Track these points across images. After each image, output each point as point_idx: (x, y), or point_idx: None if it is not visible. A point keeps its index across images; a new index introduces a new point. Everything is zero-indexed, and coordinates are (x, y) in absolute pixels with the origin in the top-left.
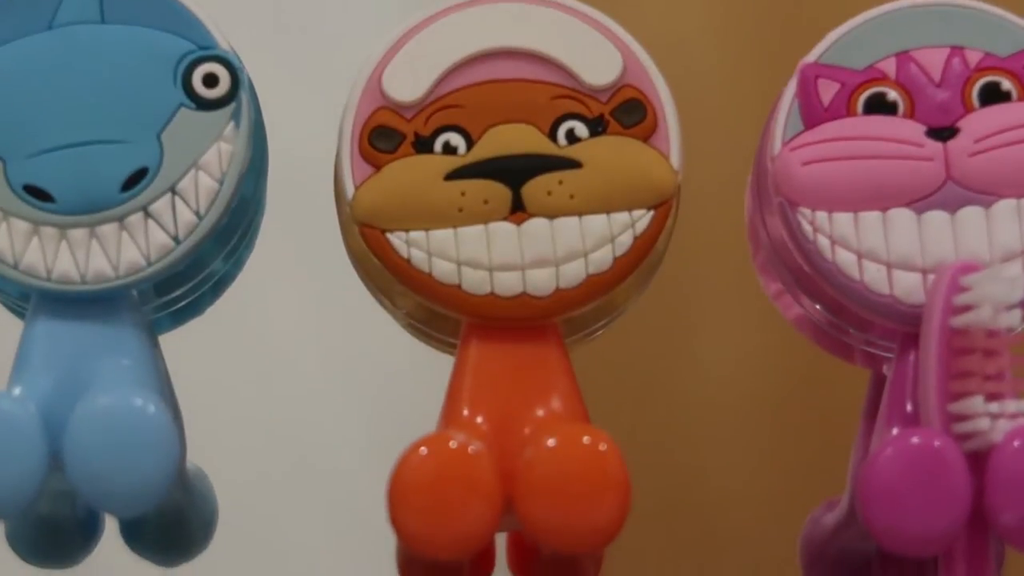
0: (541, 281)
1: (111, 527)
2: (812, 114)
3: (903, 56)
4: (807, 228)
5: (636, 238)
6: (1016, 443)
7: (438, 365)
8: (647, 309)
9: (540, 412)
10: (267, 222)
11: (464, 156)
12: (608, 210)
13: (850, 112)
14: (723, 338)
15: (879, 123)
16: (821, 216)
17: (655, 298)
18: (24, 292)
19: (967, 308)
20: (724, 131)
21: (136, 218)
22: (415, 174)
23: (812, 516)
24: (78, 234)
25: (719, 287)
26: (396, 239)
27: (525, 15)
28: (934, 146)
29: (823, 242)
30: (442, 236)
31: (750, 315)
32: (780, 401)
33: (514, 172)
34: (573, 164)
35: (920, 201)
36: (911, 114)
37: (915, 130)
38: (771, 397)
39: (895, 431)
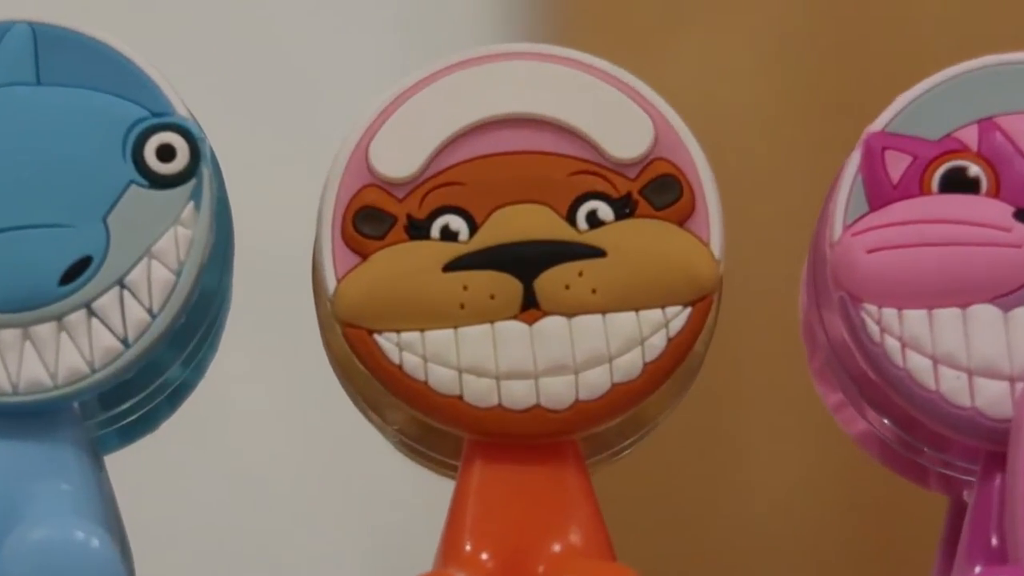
0: (558, 391)
1: None
2: (879, 192)
3: (986, 123)
4: (873, 328)
5: (670, 340)
6: None
7: (436, 491)
8: (684, 423)
9: (556, 547)
10: (234, 321)
11: (466, 243)
12: (637, 307)
13: (924, 190)
14: (774, 458)
15: (958, 203)
16: (889, 313)
17: (693, 410)
18: None
19: None
20: (774, 213)
21: (77, 316)
22: (408, 264)
23: None
24: (8, 335)
25: (769, 397)
26: (386, 341)
27: (538, 76)
28: (1023, 230)
29: (892, 344)
30: (440, 338)
31: (806, 431)
32: (841, 533)
33: (526, 262)
34: (596, 252)
35: (1007, 296)
36: (996, 192)
37: (1001, 212)
38: (831, 528)
39: (978, 570)
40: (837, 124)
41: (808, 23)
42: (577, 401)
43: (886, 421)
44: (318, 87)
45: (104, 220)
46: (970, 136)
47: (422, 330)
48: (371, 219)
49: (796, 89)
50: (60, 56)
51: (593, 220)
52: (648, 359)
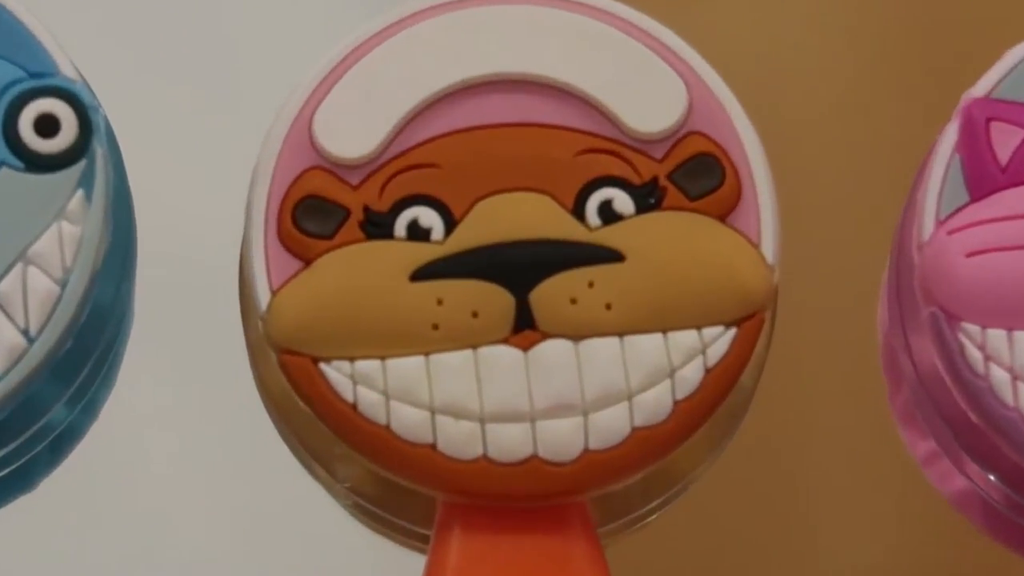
0: (561, 437)
1: None
2: (983, 177)
3: None
4: (974, 355)
5: (708, 371)
6: None
7: (402, 568)
8: (726, 482)
9: None
10: (136, 348)
11: (441, 243)
12: (665, 327)
13: None
14: (845, 528)
15: None
16: (996, 336)
17: (738, 464)
18: None
19: None
20: (845, 204)
21: None
22: (365, 271)
23: None
24: None
25: (838, 447)
26: (336, 372)
27: (535, 24)
28: None
29: (1000, 377)
30: (407, 368)
31: (886, 490)
32: None
33: (519, 269)
34: (611, 256)
35: None
36: None
37: None
38: None
39: None
40: (929, 88)
41: None
42: (586, 451)
43: (991, 477)
44: (247, 42)
45: None
46: None
47: (383, 358)
48: (317, 212)
49: (876, 41)
50: None
51: (608, 214)
52: (679, 396)
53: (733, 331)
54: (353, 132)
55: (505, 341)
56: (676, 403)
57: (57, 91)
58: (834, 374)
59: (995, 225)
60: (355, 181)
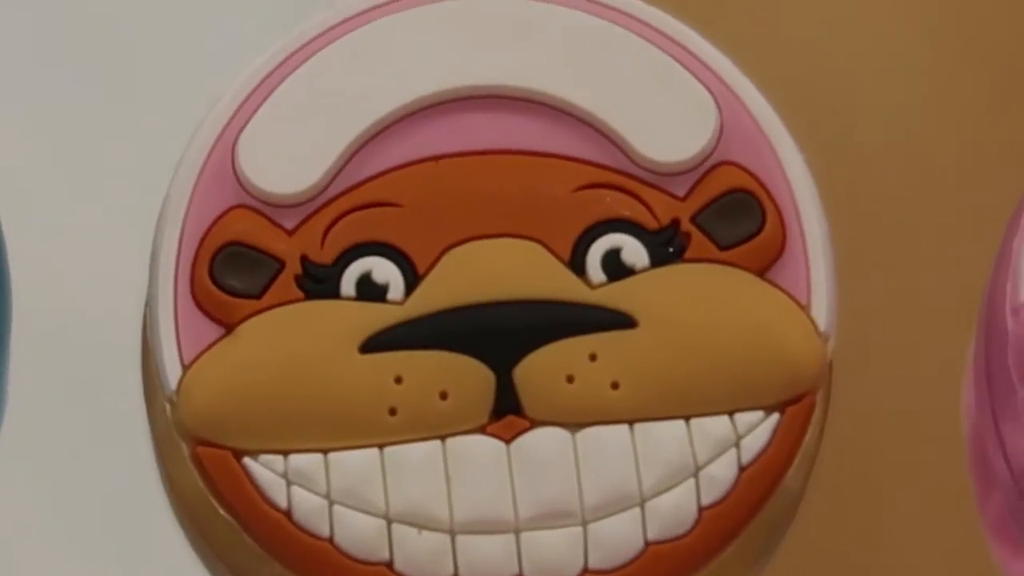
0: (554, 554)
1: None
2: None
3: None
4: None
5: (743, 468)
6: None
7: None
8: None
9: None
10: (9, 438)
11: (401, 305)
12: (688, 412)
13: None
14: None
15: None
16: None
17: None
18: None
19: None
20: (919, 257)
21: None
22: (303, 341)
23: None
24: None
25: (911, 567)
26: (264, 470)
27: (526, 24)
28: None
29: None
30: (356, 464)
31: None
32: None
33: (500, 338)
34: (619, 321)
35: None
36: None
37: None
38: None
39: None
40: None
41: None
42: (586, 572)
43: None
44: (150, 47)
45: None
46: None
47: (326, 451)
48: (242, 264)
49: (956, 59)
50: None
51: (615, 266)
52: (706, 500)
53: (775, 418)
54: (288, 162)
55: (482, 430)
56: (702, 510)
57: None
58: (906, 474)
59: None
60: (291, 224)
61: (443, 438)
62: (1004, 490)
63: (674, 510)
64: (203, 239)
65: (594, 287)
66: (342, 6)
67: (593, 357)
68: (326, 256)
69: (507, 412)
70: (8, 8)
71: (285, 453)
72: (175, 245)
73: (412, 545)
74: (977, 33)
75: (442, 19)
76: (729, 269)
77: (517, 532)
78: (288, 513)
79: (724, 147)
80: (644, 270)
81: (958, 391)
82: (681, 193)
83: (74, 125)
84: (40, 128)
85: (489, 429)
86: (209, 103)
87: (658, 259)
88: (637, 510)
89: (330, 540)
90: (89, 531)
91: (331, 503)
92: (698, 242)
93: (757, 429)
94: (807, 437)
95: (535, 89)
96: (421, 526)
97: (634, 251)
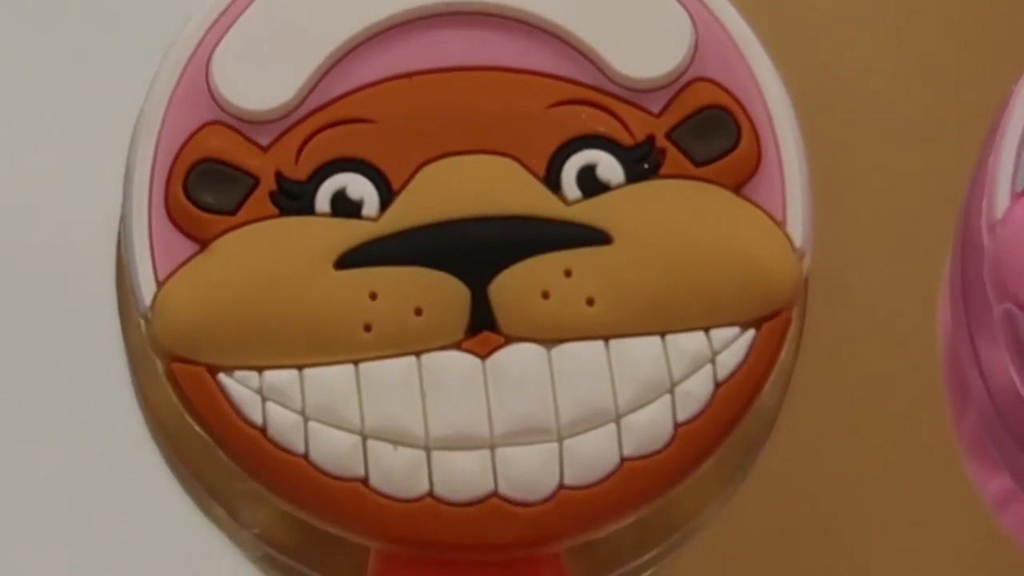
0: (530, 470)
1: None
2: None
3: None
4: None
5: (719, 384)
6: None
7: None
8: (743, 528)
9: None
10: None
11: (376, 221)
12: (663, 328)
13: None
14: None
15: None
16: None
17: (759, 506)
18: None
19: None
20: (895, 174)
21: None
22: (278, 257)
23: None
24: None
25: (888, 483)
26: (239, 386)
27: None
28: None
29: None
30: (331, 380)
31: (949, 537)
32: None
33: (476, 254)
34: (594, 236)
35: None
36: None
37: None
38: None
39: None
40: (1001, 28)
41: None
42: (562, 487)
43: None
44: None
45: None
46: None
47: (301, 367)
48: (216, 180)
49: None
50: None
51: (590, 183)
52: (682, 417)
53: (751, 334)
54: (262, 78)
55: (458, 346)
56: (677, 426)
57: None
58: (881, 392)
59: None
60: (265, 141)
61: (418, 354)
62: (980, 407)
63: (649, 426)
64: (177, 155)
65: (569, 203)
66: None
67: (568, 273)
68: (300, 172)
69: (482, 328)
70: None
71: (260, 369)
72: (149, 162)
73: (387, 461)
74: None
75: None
76: (704, 185)
77: (492, 448)
78: (263, 429)
79: (699, 63)
80: (619, 186)
81: (934, 308)
82: (656, 109)
83: (49, 41)
84: (16, 43)
85: (464, 345)
86: (183, 20)
87: (633, 175)
88: (612, 426)
89: (305, 456)
90: (63, 449)
91: (306, 419)
92: (673, 158)
93: (733, 345)
94: (783, 354)
95: (510, 5)
96: (396, 442)
97: (609, 167)
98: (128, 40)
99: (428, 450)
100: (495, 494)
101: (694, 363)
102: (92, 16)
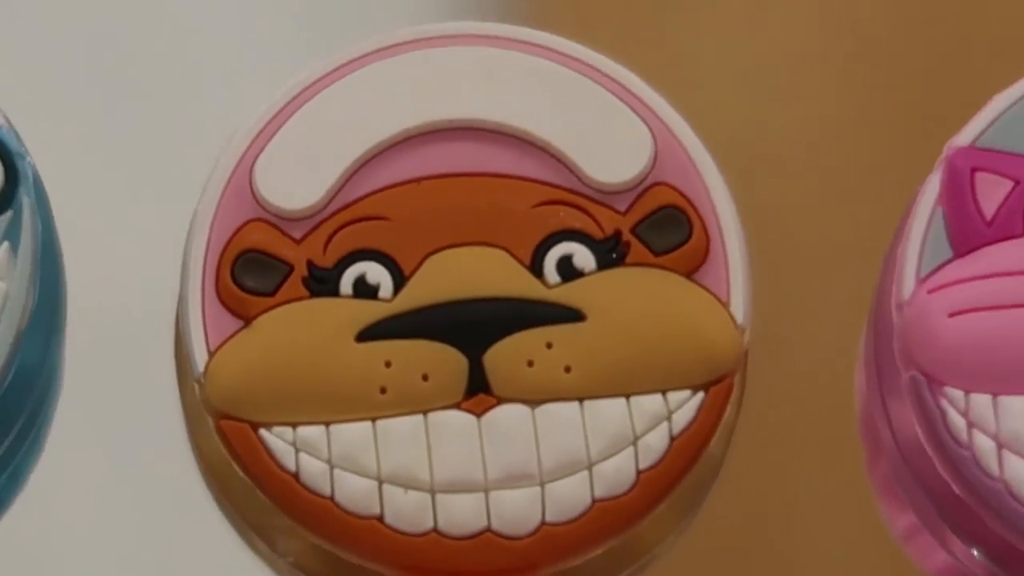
0: (517, 509)
1: None
2: (967, 231)
3: None
4: (957, 422)
5: (674, 438)
6: None
7: None
8: (694, 557)
9: None
10: (64, 411)
11: (389, 302)
12: (628, 391)
13: None
14: None
15: None
16: (981, 402)
17: (707, 538)
18: None
19: None
20: (820, 261)
21: None
22: (309, 331)
23: None
24: None
25: (813, 521)
26: (277, 439)
27: (491, 68)
28: None
29: (984, 445)
30: (353, 435)
31: (864, 565)
32: None
33: (472, 329)
34: (571, 315)
35: None
36: None
37: None
38: None
39: None
40: (911, 136)
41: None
42: (544, 523)
43: (976, 553)
44: (185, 87)
45: None
46: None
47: (327, 423)
48: (258, 268)
49: (854, 88)
50: None
51: (567, 270)
52: (643, 465)
53: (700, 396)
54: (296, 182)
55: (457, 406)
56: (640, 472)
57: None
58: (808, 443)
59: (980, 283)
60: (298, 235)
61: (425, 413)
62: (889, 457)
63: (616, 473)
64: (225, 247)
65: (550, 287)
66: (342, 53)
67: (549, 345)
68: (328, 261)
69: (478, 391)
70: (70, 52)
71: (293, 425)
72: (202, 252)
73: (399, 502)
74: (871, 75)
75: (425, 63)
76: (662, 272)
77: (486, 491)
78: (296, 475)
79: (659, 170)
80: (592, 273)
81: (852, 374)
82: (623, 208)
83: (121, 151)
84: (94, 150)
85: (463, 405)
86: (230, 134)
87: (604, 263)
88: (586, 473)
89: (331, 498)
90: (134, 489)
91: (332, 467)
92: (636, 249)
93: (685, 405)
94: (727, 412)
95: (501, 122)
96: (406, 486)
97: (583, 257)
98: (186, 149)
99: (433, 493)
100: (488, 530)
101: (653, 420)
102: (158, 128)
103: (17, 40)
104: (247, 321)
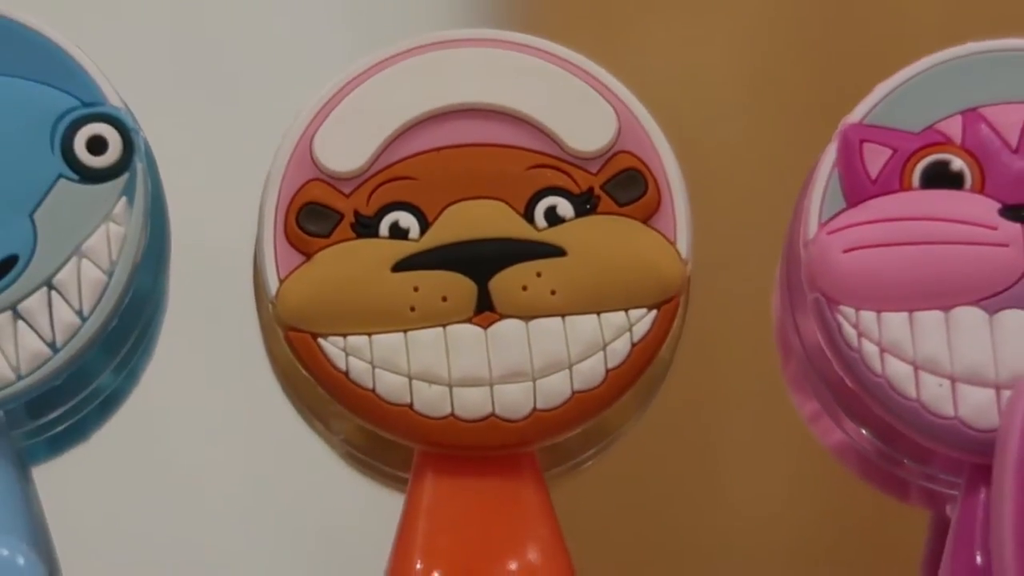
0: (514, 399)
1: None
2: (856, 188)
3: (971, 114)
4: (849, 332)
5: (634, 345)
6: None
7: (386, 505)
8: (649, 434)
9: (513, 565)
10: (170, 325)
11: (417, 241)
12: (599, 309)
13: (904, 186)
14: (746, 473)
15: (941, 199)
16: (867, 317)
17: (660, 420)
18: None
19: None
20: (746, 210)
21: (3, 319)
22: (355, 264)
23: None
24: None
25: (740, 407)
26: (331, 346)
27: (494, 63)
28: (1010, 228)
29: (870, 349)
30: (389, 342)
31: (779, 442)
32: (819, 551)
33: (480, 261)
34: (555, 251)
35: (993, 298)
36: (981, 188)
37: (986, 208)
38: (808, 546)
39: None
40: (814, 115)
41: (785, 6)
42: (535, 410)
43: (864, 432)
44: (260, 76)
45: (31, 216)
46: (954, 128)
47: (370, 334)
48: (316, 216)
49: (770, 78)
50: None
51: (552, 217)
52: (611, 365)
53: (654, 313)
54: (346, 151)
55: (469, 321)
56: (608, 371)
57: (105, 117)
58: (736, 349)
59: (866, 226)
60: (347, 191)
61: (444, 326)
62: (799, 358)
63: (590, 371)
64: (291, 200)
65: (539, 230)
66: (381, 52)
67: (539, 274)
68: (370, 211)
69: (485, 310)
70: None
71: (344, 335)
72: (274, 204)
73: (425, 394)
74: (784, 70)
75: (443, 60)
76: (625, 219)
77: (491, 386)
78: (346, 373)
79: (622, 141)
80: (571, 219)
81: (770, 295)
82: (594, 170)
83: (213, 127)
84: (192, 126)
85: (473, 320)
86: (296, 113)
87: (580, 212)
88: (567, 371)
89: (373, 391)
90: (223, 386)
91: (374, 367)
92: (605, 202)
93: (643, 320)
94: (674, 324)
95: (501, 104)
96: (430, 382)
97: (565, 208)
98: (263, 126)
99: (451, 387)
100: (493, 415)
101: (618, 331)
102: (240, 112)
103: (130, 40)
104: (308, 256)
